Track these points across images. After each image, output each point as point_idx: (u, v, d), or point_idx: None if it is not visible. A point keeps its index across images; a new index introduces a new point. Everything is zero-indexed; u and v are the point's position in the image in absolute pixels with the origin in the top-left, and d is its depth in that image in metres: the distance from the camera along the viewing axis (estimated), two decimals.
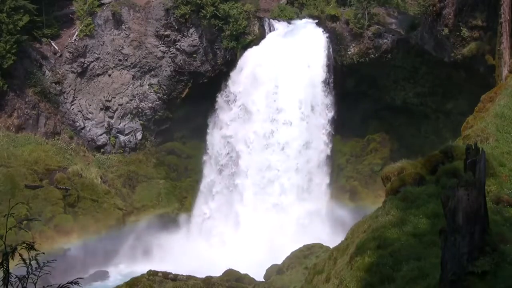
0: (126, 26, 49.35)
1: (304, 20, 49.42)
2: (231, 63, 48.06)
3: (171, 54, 49.43)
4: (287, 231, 42.90)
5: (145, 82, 50.13)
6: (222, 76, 47.95)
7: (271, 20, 49.26)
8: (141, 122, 50.65)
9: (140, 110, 50.41)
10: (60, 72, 48.41)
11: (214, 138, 47.76)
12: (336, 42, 46.94)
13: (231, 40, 47.44)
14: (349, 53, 46.81)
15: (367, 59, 46.44)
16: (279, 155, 45.76)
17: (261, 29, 48.30)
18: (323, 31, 47.11)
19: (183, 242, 45.77)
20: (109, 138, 50.03)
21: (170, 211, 47.95)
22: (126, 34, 49.41)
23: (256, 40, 47.59)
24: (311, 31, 47.51)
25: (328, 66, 46.39)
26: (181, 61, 49.41)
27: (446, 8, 40.03)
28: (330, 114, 46.26)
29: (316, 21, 48.70)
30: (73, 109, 49.18)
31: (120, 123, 50.26)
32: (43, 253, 7.55)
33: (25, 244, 7.26)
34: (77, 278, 7.42)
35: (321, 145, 46.32)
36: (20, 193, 41.79)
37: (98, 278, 41.26)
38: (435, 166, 17.92)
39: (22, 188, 42.29)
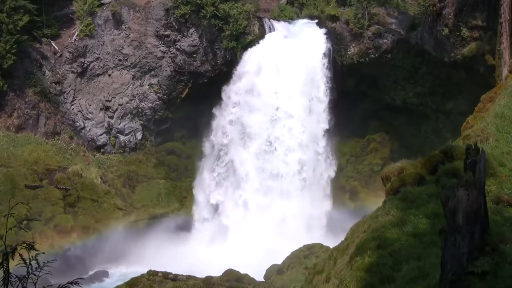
0: (126, 26, 49.36)
1: (304, 20, 49.43)
2: (231, 63, 48.07)
3: (171, 54, 49.43)
4: (287, 231, 42.90)
5: (145, 82, 50.13)
6: (222, 76, 47.94)
7: (271, 20, 49.27)
8: (141, 122, 50.66)
9: (140, 110, 50.42)
10: (60, 72, 48.42)
11: (215, 137, 47.78)
12: (336, 42, 46.94)
13: (231, 40, 47.44)
14: (349, 53, 46.81)
15: (367, 59, 46.44)
16: (279, 155, 45.76)
17: (261, 29, 48.30)
18: (323, 31, 47.10)
19: (183, 242, 45.79)
20: (109, 138, 50.03)
21: (170, 211, 47.95)
22: (126, 34, 49.41)
23: (256, 40, 47.59)
24: (311, 31, 47.52)
25: (328, 66, 46.39)
26: (181, 61, 49.41)
27: (446, 8, 40.03)
28: (330, 114, 46.24)
29: (316, 21, 48.71)
30: (73, 109, 49.19)
31: (120, 123, 50.26)
32: (43, 253, 7.55)
33: (25, 244, 7.26)
34: (77, 278, 7.41)
35: (321, 144, 46.32)
36: (20, 193, 41.79)
37: (98, 278, 41.26)
38: (435, 166, 17.91)
39: (22, 188, 42.28)
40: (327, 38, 46.83)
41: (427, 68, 45.04)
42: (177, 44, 49.14)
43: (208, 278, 31.82)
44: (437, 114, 46.33)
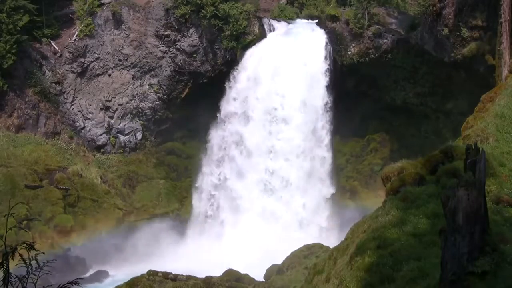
0: (126, 26, 49.36)
1: (304, 20, 49.45)
2: (231, 63, 48.08)
3: (171, 54, 49.43)
4: (287, 231, 42.92)
5: (145, 82, 50.13)
6: (222, 76, 47.94)
7: (271, 20, 49.28)
8: (141, 122, 50.66)
9: (140, 110, 50.41)
10: (60, 72, 48.42)
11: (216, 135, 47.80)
12: (336, 42, 46.94)
13: (231, 40, 47.43)
14: (349, 53, 46.81)
15: (367, 59, 46.44)
16: (279, 155, 45.78)
17: (261, 29, 48.31)
18: (323, 31, 47.11)
19: (183, 242, 45.81)
20: (109, 138, 50.03)
21: (170, 211, 47.96)
22: (126, 34, 49.41)
23: (256, 40, 47.60)
24: (311, 31, 47.53)
25: (328, 66, 46.39)
26: (181, 61, 49.41)
27: (446, 8, 40.04)
28: (330, 114, 46.26)
29: (316, 21, 48.72)
30: (73, 109, 49.19)
31: (120, 123, 50.26)
32: (43, 253, 7.55)
33: (25, 244, 7.26)
34: (77, 278, 7.42)
35: (321, 144, 46.33)
36: (20, 193, 41.78)
37: (98, 278, 41.24)
38: (435, 166, 17.91)
39: (22, 188, 42.28)
40: (327, 38, 46.84)
41: (427, 68, 45.04)
42: (177, 44, 49.14)
43: (208, 278, 31.82)
44: (437, 114, 46.32)
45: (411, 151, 40.14)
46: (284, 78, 45.49)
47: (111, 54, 49.41)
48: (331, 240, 33.77)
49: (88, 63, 49.23)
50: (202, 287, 31.05)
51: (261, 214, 44.84)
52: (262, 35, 47.96)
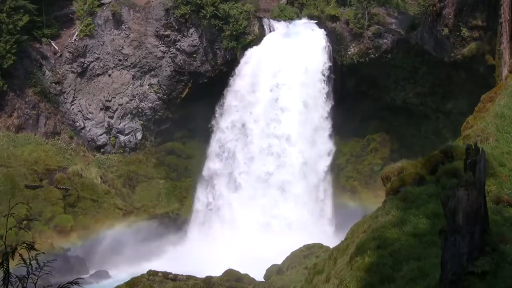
0: (126, 26, 49.37)
1: (304, 20, 49.43)
2: (231, 63, 48.08)
3: (171, 54, 49.44)
4: (287, 230, 42.91)
5: (145, 82, 50.14)
6: (222, 76, 47.94)
7: (271, 20, 49.28)
8: (141, 122, 50.66)
9: (140, 110, 50.42)
10: (60, 72, 48.43)
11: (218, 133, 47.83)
12: (336, 42, 46.94)
13: (231, 40, 47.44)
14: (349, 53, 46.81)
15: (367, 59, 46.44)
16: (279, 155, 45.78)
17: (261, 29, 48.32)
18: (323, 31, 47.11)
19: (183, 242, 45.81)
20: (109, 138, 50.04)
21: (170, 211, 47.95)
22: (126, 34, 49.42)
23: (256, 40, 47.60)
24: (311, 31, 47.53)
25: (328, 66, 46.39)
26: (181, 61, 49.42)
27: (446, 8, 40.04)
28: (330, 114, 46.26)
29: (316, 21, 48.72)
30: (73, 109, 49.20)
31: (120, 123, 50.27)
32: (43, 253, 7.55)
33: (25, 244, 7.26)
34: (77, 278, 7.42)
35: (321, 144, 46.34)
36: (20, 193, 41.78)
37: (98, 278, 41.23)
38: (435, 166, 17.91)
39: (22, 188, 42.28)
40: (327, 38, 46.83)
41: (427, 68, 45.04)
42: (177, 44, 49.15)
43: (208, 278, 31.82)
44: (437, 114, 46.32)
45: (411, 151, 40.15)
46: (284, 78, 45.48)
47: (111, 54, 49.41)
48: (331, 240, 33.74)
49: (88, 63, 49.24)
50: (202, 287, 31.05)
51: (261, 213, 44.84)
52: (262, 35, 47.96)
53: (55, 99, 48.41)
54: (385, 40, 45.96)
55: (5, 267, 7.09)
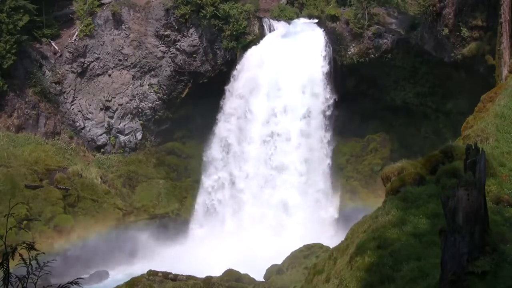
0: (126, 26, 49.37)
1: (304, 20, 49.44)
2: (231, 63, 48.08)
3: (171, 54, 49.44)
4: (287, 230, 42.93)
5: (145, 82, 50.14)
6: (222, 76, 47.95)
7: (271, 20, 49.28)
8: (141, 122, 50.66)
9: (140, 110, 50.42)
10: (60, 72, 48.42)
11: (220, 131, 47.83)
12: (336, 42, 46.94)
13: (231, 40, 47.45)
14: (349, 53, 46.80)
15: (367, 59, 46.43)
16: (279, 155, 45.80)
17: (261, 29, 48.32)
18: (323, 31, 47.12)
19: (183, 242, 45.81)
20: (109, 138, 50.03)
21: (170, 211, 47.94)
22: (126, 34, 49.42)
23: (256, 40, 47.61)
24: (311, 31, 47.54)
25: (328, 66, 46.40)
26: (181, 61, 49.42)
27: (446, 8, 40.03)
28: (330, 114, 46.27)
29: (316, 21, 48.72)
30: (73, 109, 49.20)
31: (120, 123, 50.27)
32: (43, 253, 7.56)
33: (25, 244, 7.27)
34: (77, 278, 7.43)
35: (321, 144, 46.36)
36: (20, 193, 41.76)
37: (98, 278, 41.24)
38: (435, 166, 17.91)
39: (22, 188, 42.26)
40: (327, 38, 46.84)
41: (427, 68, 45.04)
42: (177, 44, 49.15)
43: (208, 278, 31.83)
44: (437, 114, 46.31)
45: (411, 151, 40.15)
46: (284, 78, 45.48)
47: (111, 54, 49.42)
48: (331, 240, 33.74)
49: (88, 63, 49.24)
50: (202, 287, 31.06)
51: (261, 213, 44.86)
52: (262, 35, 47.97)
53: (55, 99, 48.42)
54: (385, 40, 45.96)
55: (5, 267, 7.09)
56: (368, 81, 48.18)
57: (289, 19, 49.84)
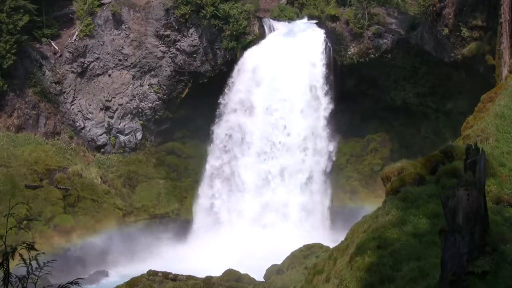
0: (126, 26, 49.36)
1: (304, 20, 49.43)
2: (231, 63, 48.07)
3: (171, 54, 49.43)
4: (287, 230, 42.93)
5: (145, 82, 50.13)
6: (222, 76, 47.94)
7: (271, 20, 49.27)
8: (141, 122, 50.65)
9: (140, 110, 50.42)
10: (60, 72, 48.42)
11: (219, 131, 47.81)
12: (336, 42, 46.94)
13: (231, 40, 47.44)
14: (349, 53, 46.80)
15: (367, 59, 46.44)
16: (279, 156, 45.80)
17: (261, 29, 48.32)
18: (323, 31, 47.11)
19: (183, 241, 45.81)
20: (109, 138, 50.02)
21: (170, 211, 47.94)
22: (126, 34, 49.42)
23: (256, 40, 47.61)
24: (311, 31, 47.52)
25: (328, 66, 46.40)
26: (181, 61, 49.42)
27: (446, 8, 40.03)
28: (330, 114, 46.26)
29: (316, 21, 48.71)
30: (73, 109, 49.19)
31: (120, 123, 50.26)
32: (43, 253, 7.55)
33: (25, 244, 7.27)
34: (77, 278, 7.43)
35: (321, 144, 46.36)
36: (20, 193, 41.75)
37: (98, 278, 41.24)
38: (435, 166, 17.92)
39: (22, 188, 42.25)
40: (327, 38, 46.84)
41: (427, 68, 45.04)
42: (177, 44, 49.14)
43: (208, 278, 31.82)
44: (437, 114, 46.31)
45: (411, 151, 40.15)
46: (284, 78, 45.48)
47: (111, 54, 49.41)
48: (331, 240, 33.75)
49: (88, 63, 49.23)
50: (202, 287, 31.06)
51: (261, 213, 44.86)
52: (262, 35, 47.96)
53: (55, 99, 48.41)
54: (385, 40, 45.96)
55: (5, 267, 7.09)
56: (368, 81, 48.18)
57: (289, 19, 49.83)
